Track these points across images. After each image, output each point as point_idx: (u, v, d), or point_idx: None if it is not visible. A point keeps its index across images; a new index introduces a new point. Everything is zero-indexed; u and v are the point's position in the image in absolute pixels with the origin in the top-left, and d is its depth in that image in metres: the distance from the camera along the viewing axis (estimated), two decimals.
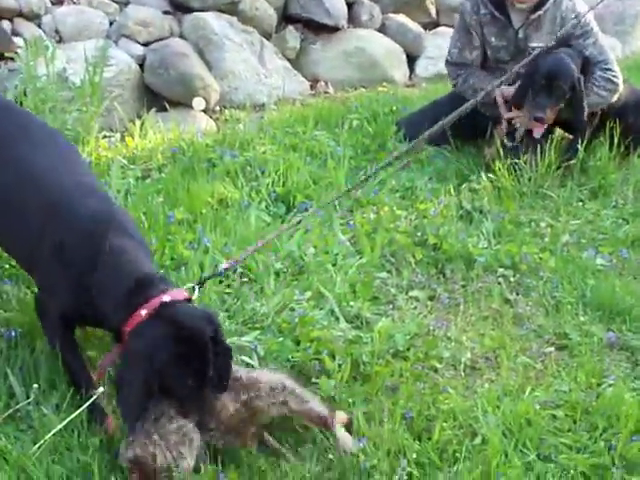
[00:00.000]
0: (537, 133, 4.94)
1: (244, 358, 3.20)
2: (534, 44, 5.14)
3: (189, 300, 2.85)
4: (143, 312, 2.68)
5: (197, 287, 3.09)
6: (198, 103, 5.95)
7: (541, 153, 4.95)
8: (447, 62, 5.53)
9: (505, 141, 5.03)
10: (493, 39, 5.30)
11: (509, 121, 5.12)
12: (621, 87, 5.16)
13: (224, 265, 2.97)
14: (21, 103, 4.61)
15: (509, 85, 5.05)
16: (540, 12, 5.16)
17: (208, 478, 2.64)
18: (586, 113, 4.96)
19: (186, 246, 3.92)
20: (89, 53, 5.20)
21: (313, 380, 3.16)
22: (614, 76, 5.11)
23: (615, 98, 5.15)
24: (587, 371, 3.36)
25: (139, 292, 2.73)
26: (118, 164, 4.49)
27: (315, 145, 5.27)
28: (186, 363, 2.63)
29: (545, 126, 4.94)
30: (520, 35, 5.21)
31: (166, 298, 2.71)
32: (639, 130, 5.29)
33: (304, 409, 2.83)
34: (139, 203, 4.20)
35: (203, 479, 2.63)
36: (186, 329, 2.65)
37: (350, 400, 3.06)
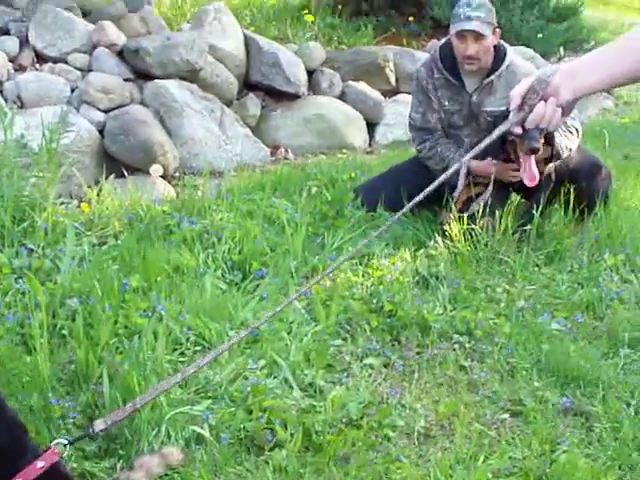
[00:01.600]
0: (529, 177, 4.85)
1: (195, 428, 3.18)
2: (488, 108, 5.22)
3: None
4: None
5: (68, 445, 2.61)
6: (156, 170, 5.97)
7: (499, 218, 4.99)
8: (411, 127, 5.58)
9: (463, 208, 5.05)
10: (447, 103, 5.37)
11: (467, 195, 5.14)
12: (580, 138, 5.24)
13: (100, 426, 2.74)
14: None
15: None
16: (493, 77, 5.25)
17: None
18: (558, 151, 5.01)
19: (140, 314, 3.89)
20: (49, 119, 5.21)
21: (265, 450, 3.14)
22: (576, 127, 5.19)
23: (575, 147, 5.20)
24: (541, 438, 3.36)
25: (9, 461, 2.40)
26: (73, 231, 4.47)
27: (273, 212, 5.29)
28: None
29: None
30: (474, 99, 5.28)
31: (41, 464, 2.38)
32: (592, 195, 5.35)
33: None
34: (94, 270, 4.17)
35: None
36: None
37: (301, 471, 3.04)
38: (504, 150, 5.02)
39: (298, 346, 3.81)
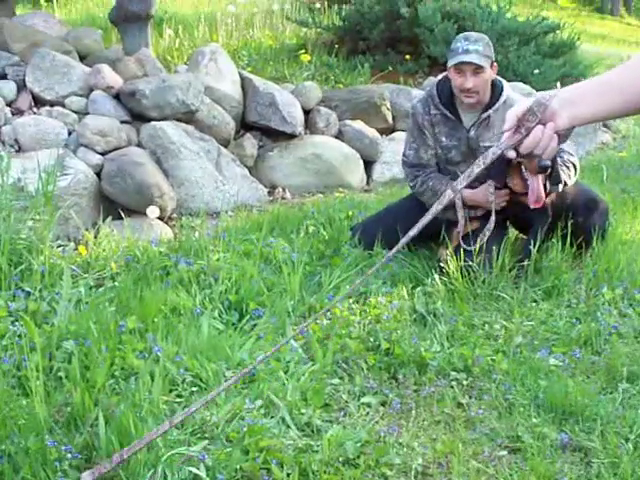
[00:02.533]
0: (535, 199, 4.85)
1: (192, 469, 3.17)
2: (486, 144, 5.23)
3: None
4: None
5: None
6: (152, 211, 5.99)
7: (496, 254, 5.00)
8: (404, 163, 5.61)
9: (462, 244, 5.05)
10: (444, 139, 5.40)
11: (466, 225, 5.15)
12: (577, 175, 5.27)
13: (88, 478, 2.72)
14: None
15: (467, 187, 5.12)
16: (490, 112, 5.27)
17: None
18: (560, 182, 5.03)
19: (137, 355, 3.89)
20: (46, 162, 5.23)
21: None
22: (574, 163, 5.23)
23: (573, 181, 5.23)
24: (539, 474, 3.34)
25: None
26: (70, 273, 4.48)
27: (270, 251, 5.30)
28: None
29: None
30: (471, 134, 5.31)
31: None
32: (590, 230, 5.37)
33: None
34: (90, 312, 4.18)
35: None
36: None
37: None
38: (506, 173, 5.03)
39: (295, 385, 3.80)
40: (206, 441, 3.36)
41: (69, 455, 3.18)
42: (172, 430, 3.37)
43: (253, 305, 4.54)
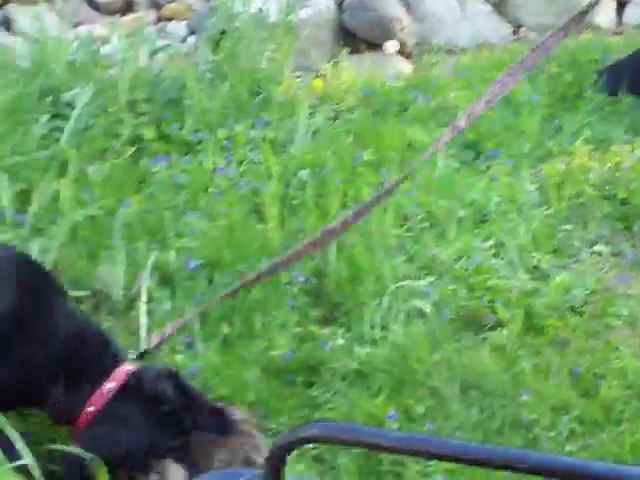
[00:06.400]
0: None
1: (417, 302, 3.22)
2: None
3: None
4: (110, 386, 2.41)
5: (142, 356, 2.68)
6: (391, 46, 5.94)
7: None
8: None
9: None
10: None
11: None
12: None
13: (155, 340, 2.79)
14: (218, 42, 4.73)
15: None
16: None
17: None
18: None
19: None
20: None
21: (484, 329, 3.16)
22: None
23: None
24: None
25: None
26: (308, 104, 4.53)
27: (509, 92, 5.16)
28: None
29: None
30: None
31: (110, 385, 2.40)
32: None
33: None
34: (327, 143, 4.24)
35: None
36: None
37: (519, 352, 3.03)
38: None
39: (527, 228, 3.75)
40: (433, 277, 3.40)
41: (300, 279, 3.30)
42: (401, 263, 3.43)
43: (489, 145, 4.47)
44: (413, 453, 1.05)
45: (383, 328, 3.12)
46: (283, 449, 1.08)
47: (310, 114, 4.51)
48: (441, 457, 1.06)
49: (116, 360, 2.46)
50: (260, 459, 2.44)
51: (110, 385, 2.38)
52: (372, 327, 3.11)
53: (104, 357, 2.45)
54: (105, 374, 2.40)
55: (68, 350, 2.40)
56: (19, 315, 2.37)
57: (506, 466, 1.01)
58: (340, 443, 1.06)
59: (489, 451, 1.03)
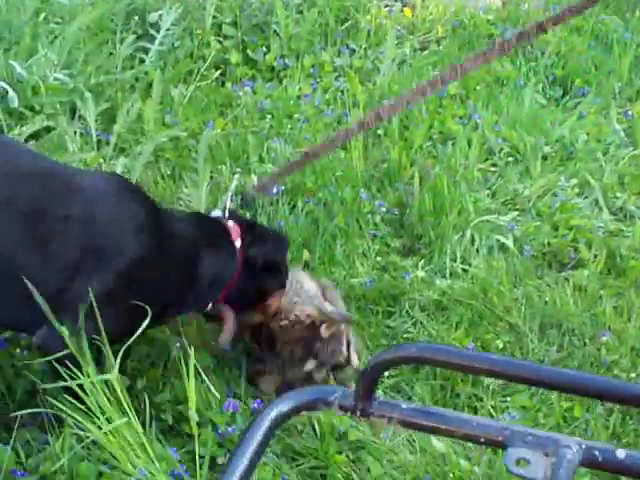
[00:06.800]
0: None
1: (499, 237, 3.19)
2: None
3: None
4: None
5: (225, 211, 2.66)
6: None
7: None
8: None
9: None
10: None
11: None
12: None
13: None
14: None
15: None
16: None
17: None
18: None
19: (456, 121, 3.90)
20: None
21: (566, 268, 3.13)
22: None
23: None
24: None
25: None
26: (395, 33, 4.47)
27: (601, 29, 5.03)
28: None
29: None
30: None
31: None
32: None
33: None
34: (413, 74, 4.21)
35: None
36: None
37: (601, 292, 3.00)
38: None
39: (613, 168, 3.70)
40: (516, 212, 3.38)
41: (382, 209, 3.29)
42: (484, 197, 3.40)
43: (579, 82, 4.38)
44: (513, 379, 1.04)
45: (464, 261, 3.12)
46: (379, 367, 1.08)
47: (397, 44, 4.46)
48: (547, 385, 1.05)
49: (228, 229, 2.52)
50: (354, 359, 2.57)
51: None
52: (453, 260, 3.10)
53: (224, 231, 2.51)
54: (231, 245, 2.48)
55: (200, 242, 2.45)
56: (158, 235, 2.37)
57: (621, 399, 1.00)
58: (439, 365, 1.05)
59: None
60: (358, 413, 1.13)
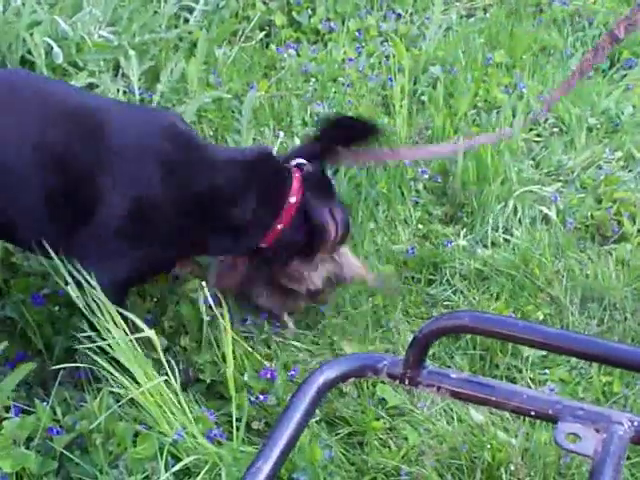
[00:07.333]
0: None
1: (542, 208, 3.17)
2: None
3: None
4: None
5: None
6: None
7: None
8: None
9: None
10: None
11: None
12: None
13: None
14: None
15: None
16: None
17: None
18: None
19: (501, 90, 3.86)
20: None
21: (609, 241, 3.10)
22: None
23: None
24: None
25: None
26: (442, 0, 4.43)
27: None
28: None
29: None
30: None
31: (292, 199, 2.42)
32: None
33: None
34: (459, 41, 4.17)
35: None
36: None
37: None
38: None
39: None
40: (560, 184, 3.35)
41: (425, 176, 3.27)
42: (527, 168, 3.38)
43: (626, 54, 4.31)
44: (565, 352, 1.03)
45: (506, 231, 3.09)
46: (430, 335, 1.07)
47: (443, 10, 4.42)
48: (602, 360, 1.04)
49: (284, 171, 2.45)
50: None
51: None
52: (495, 230, 3.07)
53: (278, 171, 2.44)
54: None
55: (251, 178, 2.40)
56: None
57: None
58: (491, 335, 1.04)
59: None
60: (407, 381, 1.12)
